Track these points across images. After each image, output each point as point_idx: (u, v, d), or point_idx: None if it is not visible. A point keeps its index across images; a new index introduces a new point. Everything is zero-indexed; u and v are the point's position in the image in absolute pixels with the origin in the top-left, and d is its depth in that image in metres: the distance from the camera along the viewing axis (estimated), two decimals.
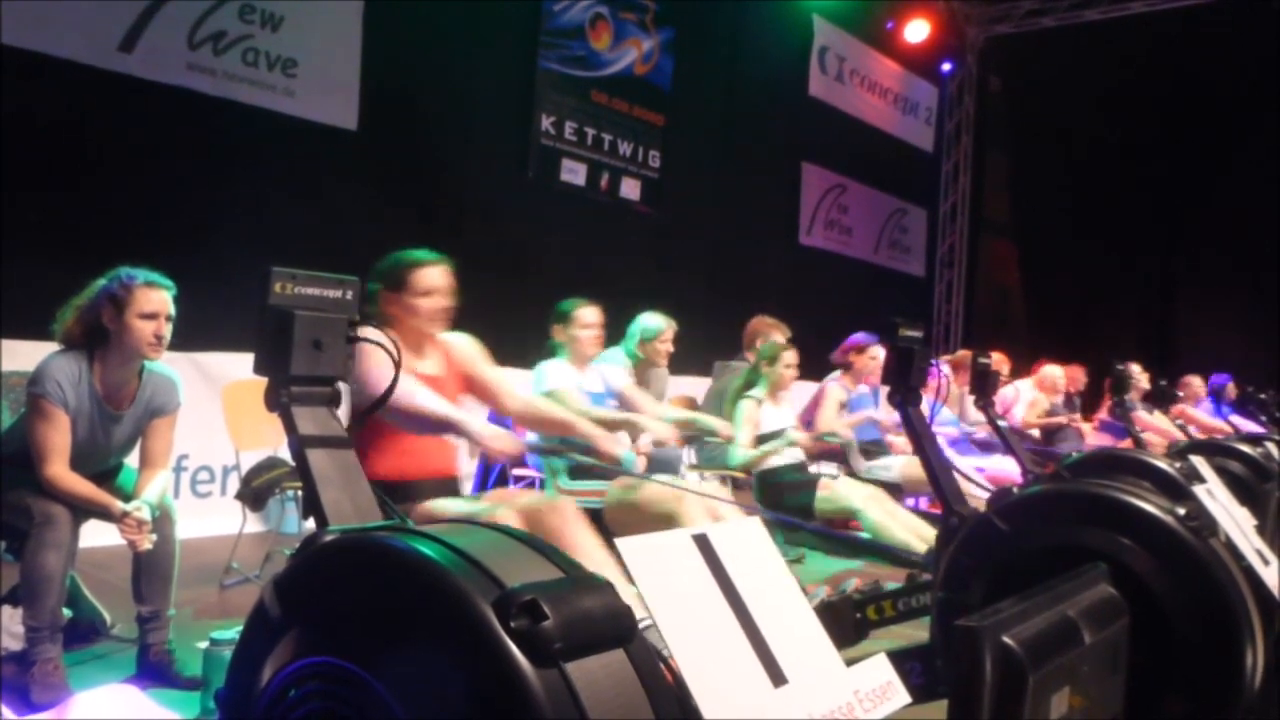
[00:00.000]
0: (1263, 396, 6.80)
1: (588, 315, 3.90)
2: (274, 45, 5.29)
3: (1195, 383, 7.44)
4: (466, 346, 2.97)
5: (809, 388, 5.50)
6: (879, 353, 5.45)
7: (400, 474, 2.63)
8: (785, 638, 1.26)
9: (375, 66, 5.68)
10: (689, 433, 4.12)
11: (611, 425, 3.56)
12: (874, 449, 5.09)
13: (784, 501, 4.25)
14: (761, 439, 4.40)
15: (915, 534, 3.95)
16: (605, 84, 7.22)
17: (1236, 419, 7.09)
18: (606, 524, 3.24)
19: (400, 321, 2.72)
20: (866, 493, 4.17)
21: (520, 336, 6.23)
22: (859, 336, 5.38)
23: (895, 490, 4.75)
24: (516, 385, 3.13)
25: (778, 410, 4.54)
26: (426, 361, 2.82)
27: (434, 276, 2.77)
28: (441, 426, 2.53)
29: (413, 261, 2.76)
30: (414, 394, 2.48)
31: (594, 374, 3.94)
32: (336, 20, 5.56)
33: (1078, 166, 10.32)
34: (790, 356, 4.59)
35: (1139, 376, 6.34)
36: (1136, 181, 10.23)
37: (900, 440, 5.24)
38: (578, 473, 3.48)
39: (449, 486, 2.80)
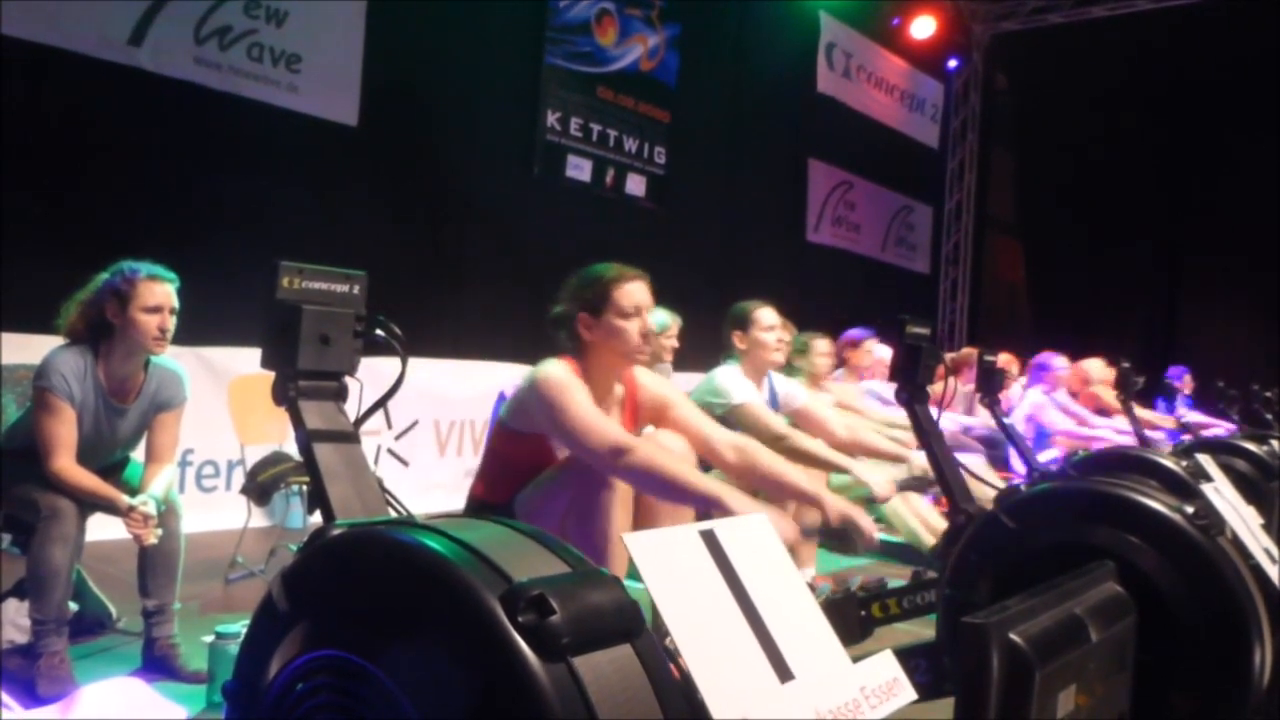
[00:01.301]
0: (1268, 395, 6.78)
1: (768, 317, 3.46)
2: (279, 40, 5.29)
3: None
4: (658, 384, 2.60)
5: None
6: (874, 347, 5.46)
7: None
8: (792, 634, 1.26)
9: (378, 62, 5.68)
10: (901, 481, 3.60)
11: (821, 465, 3.16)
12: None
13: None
14: None
15: (928, 526, 3.91)
16: (611, 80, 7.21)
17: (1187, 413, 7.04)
18: None
19: (594, 352, 2.41)
20: (884, 478, 4.09)
21: (523, 333, 6.24)
22: (853, 332, 5.35)
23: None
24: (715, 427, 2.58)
25: (825, 398, 4.44)
26: (613, 399, 2.49)
27: (638, 293, 2.40)
28: (697, 498, 2.14)
29: (614, 276, 2.41)
30: (664, 454, 2.18)
31: (766, 386, 3.54)
32: (340, 16, 5.56)
33: (1083, 164, 10.29)
34: (823, 345, 4.46)
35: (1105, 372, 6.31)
36: (1142, 178, 10.20)
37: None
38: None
39: None
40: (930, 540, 3.73)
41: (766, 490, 2.53)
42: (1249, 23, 8.72)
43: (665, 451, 2.26)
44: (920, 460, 3.63)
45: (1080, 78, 9.95)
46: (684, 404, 2.60)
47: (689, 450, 2.44)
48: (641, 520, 2.37)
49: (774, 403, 3.59)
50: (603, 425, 2.23)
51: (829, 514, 2.35)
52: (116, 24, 4.64)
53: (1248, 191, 9.26)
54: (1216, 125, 9.74)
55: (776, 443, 3.14)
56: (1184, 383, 7.81)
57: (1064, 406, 5.88)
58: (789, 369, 4.35)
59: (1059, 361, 6.00)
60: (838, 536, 2.45)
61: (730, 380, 3.37)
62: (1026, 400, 5.96)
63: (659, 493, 2.25)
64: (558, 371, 2.33)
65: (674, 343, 4.69)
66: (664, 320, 4.66)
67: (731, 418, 3.29)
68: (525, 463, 2.41)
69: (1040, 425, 5.77)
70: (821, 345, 4.42)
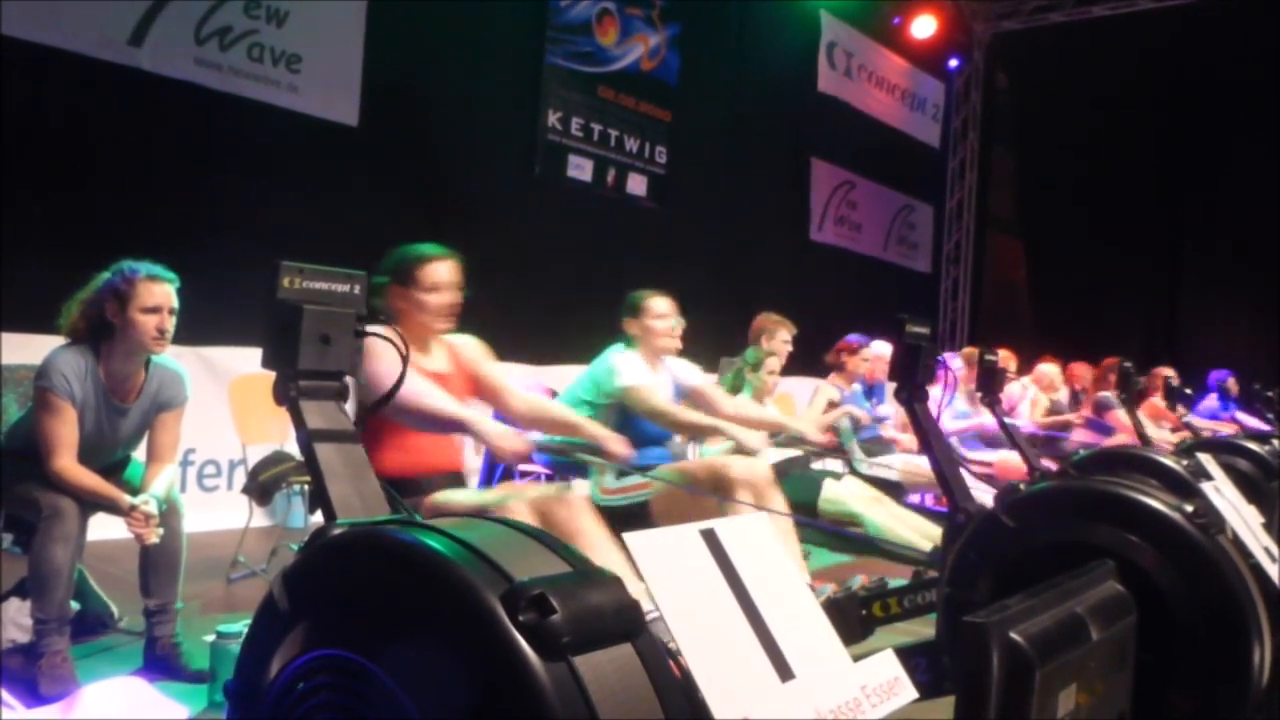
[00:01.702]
0: (1270, 394, 6.78)
1: (660, 305, 3.67)
2: (279, 41, 5.29)
3: (1165, 374, 7.13)
4: (472, 347, 2.96)
5: (812, 384, 5.51)
6: (870, 353, 5.54)
7: (407, 470, 2.63)
8: (792, 633, 1.26)
9: (379, 62, 5.68)
10: (776, 438, 3.91)
11: (700, 431, 3.53)
12: (875, 447, 5.10)
13: (788, 498, 4.24)
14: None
15: (920, 534, 3.94)
16: (612, 80, 7.21)
17: (1234, 415, 7.05)
18: (653, 518, 3.20)
19: (407, 317, 2.70)
20: (869, 495, 4.16)
21: (526, 333, 6.25)
22: (852, 337, 5.45)
23: (897, 488, 4.74)
24: (520, 383, 3.08)
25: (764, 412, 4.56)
26: (433, 359, 2.80)
27: (443, 271, 2.74)
28: (451, 425, 2.52)
29: (421, 256, 2.73)
30: (423, 393, 2.45)
31: (665, 370, 3.75)
32: (341, 16, 5.56)
33: (1084, 163, 10.29)
34: (774, 363, 4.62)
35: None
36: (1143, 178, 10.20)
37: (905, 437, 5.26)
38: (622, 472, 3.35)
39: (456, 481, 2.80)
40: (925, 544, 3.75)
41: (555, 430, 2.97)
42: (1250, 22, 8.72)
43: (430, 390, 2.51)
44: (797, 426, 4.04)
45: (1081, 77, 9.94)
46: (488, 366, 2.94)
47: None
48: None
49: (675, 384, 3.73)
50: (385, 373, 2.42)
51: (606, 449, 2.72)
52: (117, 24, 4.64)
53: (1248, 190, 9.26)
54: (1217, 124, 9.73)
55: (659, 417, 3.49)
56: (1229, 385, 7.78)
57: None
58: (738, 380, 4.46)
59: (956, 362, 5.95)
60: (581, 450, 2.85)
61: (623, 362, 3.56)
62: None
63: (422, 425, 2.53)
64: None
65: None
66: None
67: (623, 397, 3.50)
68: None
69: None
70: (772, 363, 4.60)
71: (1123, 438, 6.03)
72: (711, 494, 3.12)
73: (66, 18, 4.43)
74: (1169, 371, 6.92)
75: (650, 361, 3.66)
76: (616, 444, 2.76)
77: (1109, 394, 6.66)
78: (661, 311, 3.65)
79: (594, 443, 2.78)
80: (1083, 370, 7.33)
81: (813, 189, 9.24)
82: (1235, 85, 9.37)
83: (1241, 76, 9.22)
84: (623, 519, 3.27)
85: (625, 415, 3.51)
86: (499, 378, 2.94)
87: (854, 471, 4.70)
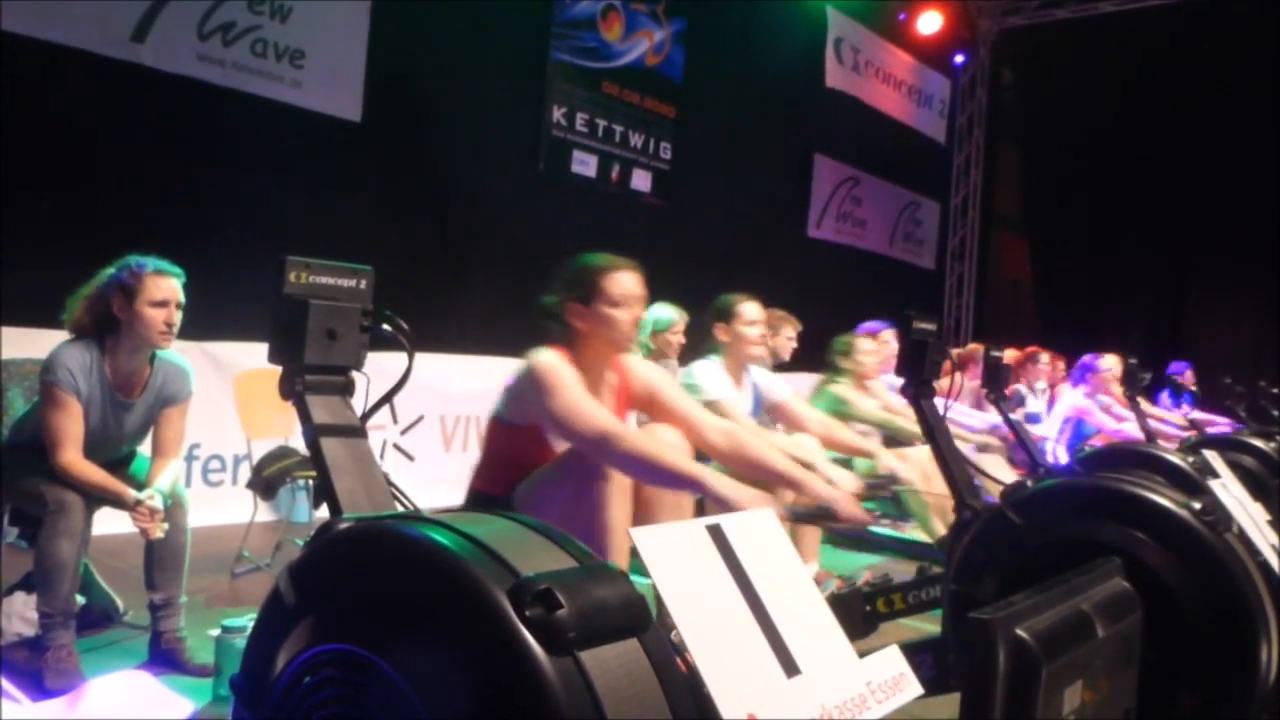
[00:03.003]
0: (1275, 391, 6.76)
1: (752, 311, 3.45)
2: (282, 36, 5.28)
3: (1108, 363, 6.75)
4: (648, 371, 2.63)
5: (814, 380, 5.50)
6: (890, 337, 5.49)
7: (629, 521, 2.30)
8: (798, 628, 1.26)
9: (383, 58, 5.67)
10: (870, 480, 3.51)
11: (783, 484, 3.11)
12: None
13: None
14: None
15: (941, 512, 3.85)
16: (616, 75, 7.20)
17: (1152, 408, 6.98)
18: None
19: (585, 340, 2.45)
20: (846, 474, 4.04)
21: (528, 330, 6.24)
22: (869, 325, 5.41)
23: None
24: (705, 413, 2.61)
25: (868, 401, 4.38)
26: (604, 387, 2.51)
27: (630, 283, 2.44)
28: (682, 482, 2.19)
29: (604, 266, 2.44)
30: (648, 439, 2.24)
31: (748, 381, 3.54)
32: (344, 11, 5.55)
33: (1090, 160, 10.26)
34: (867, 345, 4.39)
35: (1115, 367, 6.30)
36: (1148, 175, 10.17)
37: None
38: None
39: None
40: (941, 530, 3.70)
41: (754, 475, 2.50)
42: (1257, 18, 8.68)
43: (654, 438, 2.30)
44: (887, 460, 3.63)
45: (1087, 74, 9.91)
46: (673, 391, 2.63)
47: (683, 441, 2.46)
48: (641, 513, 2.38)
49: (755, 396, 3.57)
50: (592, 411, 2.26)
51: (813, 496, 2.36)
52: (120, 20, 4.64)
53: (1254, 188, 9.22)
54: (1223, 121, 9.70)
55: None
56: (1186, 378, 7.76)
57: (1107, 407, 5.87)
58: (836, 372, 4.30)
59: (1104, 362, 5.95)
60: (825, 519, 2.46)
61: (706, 375, 3.38)
62: (1066, 401, 5.94)
63: (646, 477, 2.27)
64: (549, 359, 2.36)
65: (680, 338, 4.69)
66: (670, 316, 4.67)
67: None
68: (522, 456, 2.44)
69: (1081, 426, 5.77)
70: (865, 345, 4.38)
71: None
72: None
73: (69, 14, 4.42)
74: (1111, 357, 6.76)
75: (734, 373, 3.46)
76: (850, 506, 2.36)
77: (1020, 386, 6.60)
78: (754, 318, 3.46)
79: (826, 507, 2.37)
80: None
81: (814, 185, 9.22)
82: (1242, 82, 9.33)
83: (1248, 73, 9.18)
84: None
85: None
86: (687, 407, 2.56)
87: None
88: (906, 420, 3.91)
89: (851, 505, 2.35)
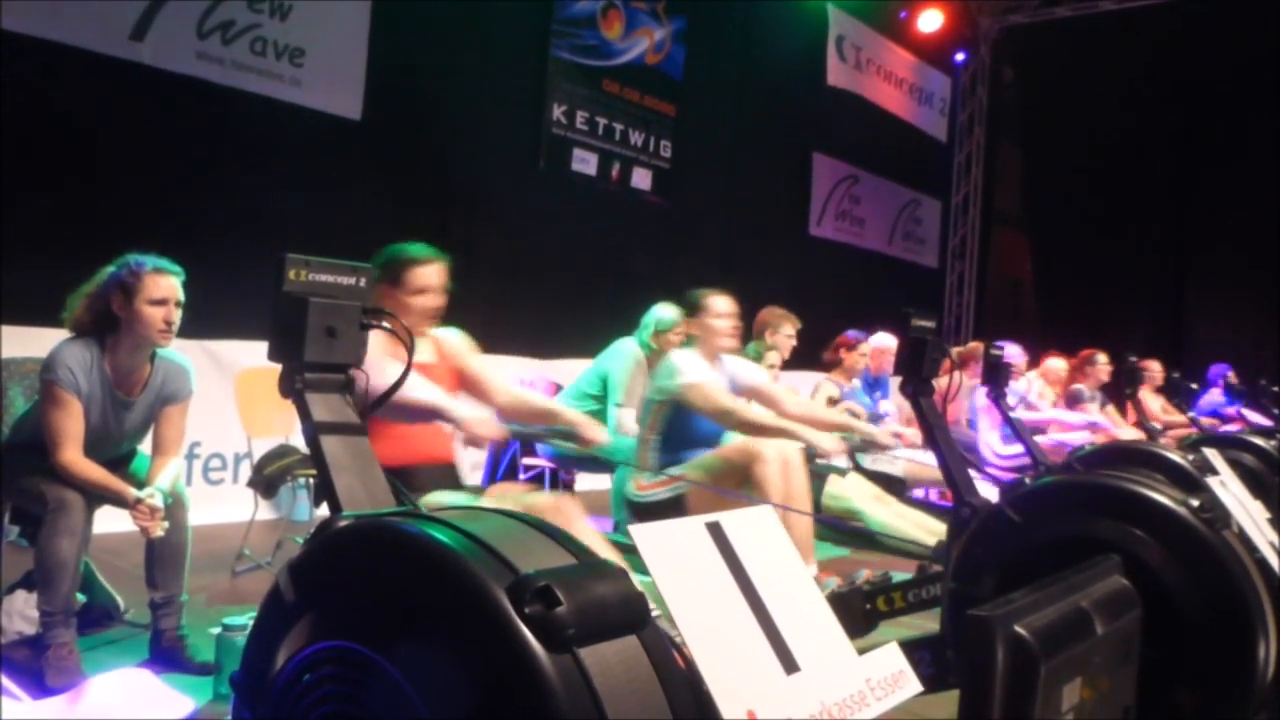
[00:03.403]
0: (1276, 389, 6.76)
1: (721, 304, 3.63)
2: (282, 34, 5.28)
3: (1154, 368, 6.91)
4: (457, 340, 2.97)
5: (816, 378, 5.51)
6: (868, 348, 5.59)
7: (398, 460, 2.57)
8: (798, 626, 1.26)
9: (383, 56, 5.67)
10: (849, 442, 3.86)
11: (766, 431, 3.43)
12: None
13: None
14: None
15: (924, 530, 3.93)
16: (617, 73, 7.20)
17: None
18: (688, 511, 3.17)
19: (701, 339, 2.84)
20: (872, 493, 4.15)
21: (529, 327, 6.25)
22: (849, 333, 5.51)
23: (900, 484, 4.74)
24: (523, 378, 3.09)
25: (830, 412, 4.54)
26: (417, 352, 2.77)
27: (429, 275, 2.77)
28: (429, 414, 2.53)
29: (409, 258, 2.76)
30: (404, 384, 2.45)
31: (723, 369, 3.70)
32: (344, 9, 5.55)
33: (1090, 158, 10.25)
34: (775, 357, 4.62)
35: (1103, 367, 6.34)
36: (1149, 173, 10.16)
37: (909, 432, 5.26)
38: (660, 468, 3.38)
39: (448, 472, 2.79)
40: (930, 540, 3.74)
41: (532, 420, 2.94)
42: (1257, 17, 8.67)
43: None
44: (865, 428, 3.95)
45: (1088, 72, 9.90)
46: (476, 360, 2.95)
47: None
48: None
49: (732, 384, 3.67)
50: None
51: (583, 434, 2.70)
52: (119, 19, 4.64)
53: (1255, 186, 9.22)
54: (1225, 118, 9.70)
55: (724, 417, 3.42)
56: (1233, 378, 7.76)
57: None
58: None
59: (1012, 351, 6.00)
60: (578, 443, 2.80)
61: (685, 362, 3.51)
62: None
63: (408, 417, 2.53)
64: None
65: (681, 339, 4.70)
66: (672, 317, 4.68)
67: (683, 398, 3.45)
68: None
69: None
70: (772, 357, 4.62)
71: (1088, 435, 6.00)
72: (742, 495, 3.08)
73: (68, 13, 4.42)
74: (1154, 364, 6.86)
75: (709, 361, 3.61)
76: (593, 429, 2.75)
77: (1081, 386, 6.66)
78: (722, 310, 3.62)
79: (570, 428, 2.77)
80: (1057, 363, 7.29)
81: (814, 184, 9.22)
82: (1243, 80, 9.33)
83: (1249, 71, 9.17)
84: (657, 515, 3.29)
85: (679, 415, 3.47)
86: (484, 371, 2.96)
87: (858, 467, 4.70)
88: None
89: (593, 430, 2.72)
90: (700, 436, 3.51)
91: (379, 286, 2.70)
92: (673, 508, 3.26)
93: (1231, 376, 7.39)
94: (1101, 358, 6.58)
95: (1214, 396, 7.43)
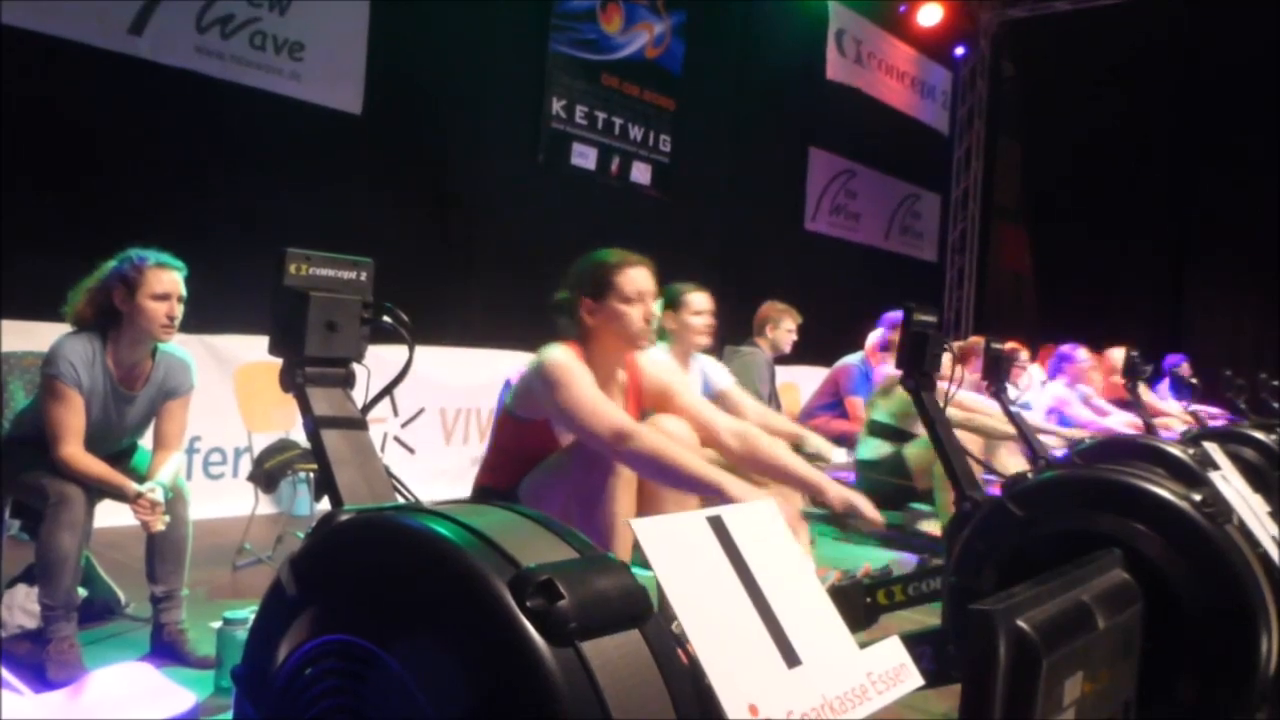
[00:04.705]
0: (1276, 384, 6.75)
1: (699, 301, 3.53)
2: (281, 28, 5.27)
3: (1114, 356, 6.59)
4: (660, 368, 2.62)
5: (816, 372, 5.51)
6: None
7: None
8: (799, 619, 1.26)
9: (382, 50, 5.66)
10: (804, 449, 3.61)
11: (702, 482, 3.13)
12: None
13: None
14: None
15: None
16: (616, 67, 7.19)
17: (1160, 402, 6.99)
18: None
19: (597, 337, 2.43)
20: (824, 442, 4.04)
21: (529, 322, 6.23)
22: (890, 314, 5.37)
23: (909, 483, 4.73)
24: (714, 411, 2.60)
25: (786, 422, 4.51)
26: (615, 384, 2.51)
27: (643, 278, 2.42)
28: (699, 485, 2.14)
29: (617, 262, 2.42)
30: (668, 441, 2.19)
31: (696, 369, 3.61)
32: (343, 3, 5.54)
33: (1090, 152, 10.24)
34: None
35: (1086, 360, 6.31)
36: (1149, 167, 10.15)
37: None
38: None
39: None
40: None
41: (769, 477, 2.48)
42: (1257, 11, 8.66)
43: (668, 437, 2.26)
44: (816, 441, 3.64)
45: (1087, 65, 9.89)
46: (687, 390, 2.62)
47: (692, 435, 2.44)
48: (645, 506, 2.38)
49: (705, 383, 3.64)
50: (605, 409, 2.24)
51: (831, 499, 2.30)
52: (117, 13, 4.63)
53: (1256, 180, 9.21)
54: (1225, 113, 9.68)
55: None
56: (1184, 370, 7.76)
57: (1087, 399, 5.89)
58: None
59: (1081, 354, 6.01)
60: (840, 522, 2.44)
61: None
62: (1048, 393, 5.96)
63: (661, 478, 2.24)
64: (561, 355, 2.34)
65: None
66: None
67: None
68: (530, 449, 2.43)
69: (1064, 418, 5.79)
70: (787, 323, 4.47)
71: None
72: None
73: (67, 7, 4.41)
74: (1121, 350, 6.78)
75: (681, 359, 3.54)
76: (869, 506, 2.30)
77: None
78: (701, 307, 3.53)
79: (814, 492, 2.36)
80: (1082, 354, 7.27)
81: (809, 178, 9.20)
82: (1243, 75, 9.31)
83: (1250, 66, 9.15)
84: None
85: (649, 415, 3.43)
86: (701, 407, 2.56)
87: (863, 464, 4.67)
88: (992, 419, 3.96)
89: (869, 506, 2.30)
90: None
91: (582, 302, 2.43)
92: None
93: (1184, 369, 7.37)
94: (1117, 353, 6.54)
95: (1163, 389, 7.43)
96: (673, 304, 3.56)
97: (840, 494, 2.31)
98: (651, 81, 7.46)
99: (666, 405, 2.55)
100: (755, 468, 2.47)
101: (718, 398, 3.59)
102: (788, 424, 3.80)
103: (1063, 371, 6.00)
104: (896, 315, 5.21)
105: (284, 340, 1.41)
